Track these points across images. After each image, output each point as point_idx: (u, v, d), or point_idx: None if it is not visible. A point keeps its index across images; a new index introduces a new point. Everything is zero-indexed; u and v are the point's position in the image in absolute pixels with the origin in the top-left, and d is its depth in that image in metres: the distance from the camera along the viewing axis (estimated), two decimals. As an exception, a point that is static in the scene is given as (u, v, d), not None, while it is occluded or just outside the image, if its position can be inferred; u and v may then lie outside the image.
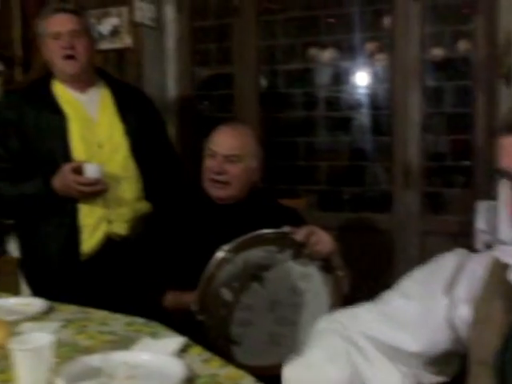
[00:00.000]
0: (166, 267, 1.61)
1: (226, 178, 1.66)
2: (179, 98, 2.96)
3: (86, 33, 1.87)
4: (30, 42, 2.92)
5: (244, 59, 2.81)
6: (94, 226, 1.82)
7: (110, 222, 1.84)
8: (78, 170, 1.73)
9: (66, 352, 1.04)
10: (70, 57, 1.81)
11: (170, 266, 1.61)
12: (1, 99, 2.26)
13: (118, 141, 1.88)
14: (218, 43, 2.94)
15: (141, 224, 1.88)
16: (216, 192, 1.68)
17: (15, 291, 2.12)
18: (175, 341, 1.09)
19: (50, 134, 1.81)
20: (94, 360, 0.98)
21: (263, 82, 2.87)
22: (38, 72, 2.73)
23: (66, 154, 1.80)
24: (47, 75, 1.93)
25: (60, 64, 1.83)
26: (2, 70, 2.92)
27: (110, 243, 1.84)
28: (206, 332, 1.41)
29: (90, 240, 1.82)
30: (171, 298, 1.57)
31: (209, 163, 1.70)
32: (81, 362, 0.97)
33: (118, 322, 1.29)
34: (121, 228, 1.85)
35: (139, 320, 1.30)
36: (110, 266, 1.81)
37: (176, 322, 1.38)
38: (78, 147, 1.82)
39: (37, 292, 1.79)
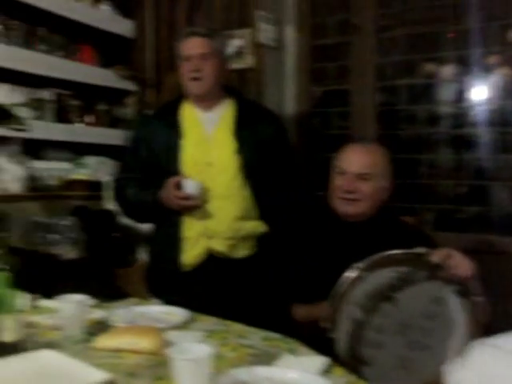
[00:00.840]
0: (293, 283, 1.65)
1: (357, 196, 1.67)
2: (297, 115, 3.01)
3: (215, 55, 1.96)
4: (161, 65, 3.14)
5: (362, 76, 2.81)
6: (195, 239, 1.91)
7: (209, 237, 1.91)
8: (180, 185, 1.85)
9: (214, 363, 1.10)
10: (196, 78, 1.94)
11: (297, 282, 1.65)
12: (136, 118, 2.46)
13: (226, 160, 1.94)
14: (336, 61, 2.96)
15: (255, 243, 1.96)
16: (345, 208, 1.69)
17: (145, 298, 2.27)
18: (318, 360, 1.10)
19: (167, 150, 1.95)
20: (241, 374, 1.02)
21: (381, 99, 2.85)
22: (167, 93, 2.93)
23: (176, 170, 1.92)
24: (180, 96, 2.07)
25: (187, 85, 1.97)
26: (135, 91, 3.16)
27: (211, 259, 1.92)
28: (337, 350, 1.42)
29: (190, 252, 1.92)
30: (302, 311, 1.60)
31: (339, 181, 1.71)
32: (230, 376, 1.01)
33: (256, 335, 1.33)
34: (220, 245, 1.92)
35: (275, 335, 1.33)
36: (211, 280, 1.91)
37: (303, 336, 1.40)
38: (187, 164, 1.92)
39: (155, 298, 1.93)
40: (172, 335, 1.26)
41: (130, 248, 2.67)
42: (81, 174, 2.87)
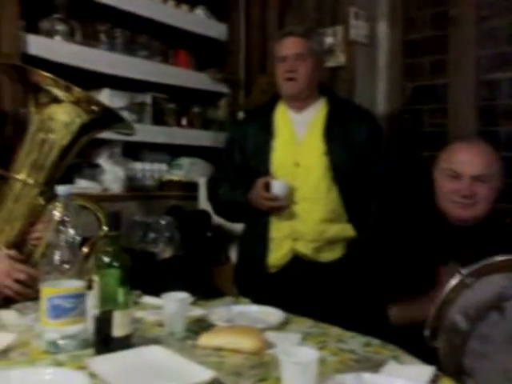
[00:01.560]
0: (397, 285, 1.60)
1: (474, 200, 1.59)
2: (389, 112, 2.93)
3: (311, 55, 1.95)
4: (252, 66, 3.18)
5: (461, 70, 2.67)
6: (281, 240, 1.92)
7: (294, 239, 1.91)
8: (268, 186, 1.86)
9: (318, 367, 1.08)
10: (291, 79, 1.93)
11: (402, 285, 1.60)
12: (231, 120, 2.50)
13: (314, 161, 1.92)
14: (431, 55, 2.84)
15: (343, 247, 1.92)
16: (460, 212, 1.61)
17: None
18: (426, 369, 1.06)
19: (257, 151, 1.97)
20: (349, 379, 1.00)
21: (480, 94, 2.69)
22: (258, 95, 2.96)
23: (266, 171, 1.93)
24: (275, 97, 2.07)
25: (282, 85, 1.97)
26: (227, 93, 3.23)
27: (296, 261, 1.91)
28: (438, 359, 1.36)
29: (276, 253, 1.92)
30: (398, 311, 1.56)
31: (453, 185, 1.62)
32: (336, 381, 0.99)
33: (355, 340, 1.30)
34: (305, 247, 1.90)
35: (376, 341, 1.29)
36: (295, 282, 1.90)
37: (400, 342, 1.35)
38: (277, 165, 1.93)
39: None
40: (270, 336, 1.27)
41: (223, 247, 2.73)
42: (175, 175, 2.97)
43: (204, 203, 2.84)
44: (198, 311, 1.48)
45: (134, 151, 2.86)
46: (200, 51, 3.18)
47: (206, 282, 2.18)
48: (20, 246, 1.67)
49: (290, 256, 1.91)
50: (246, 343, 1.16)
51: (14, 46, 2.18)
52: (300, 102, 1.98)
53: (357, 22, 2.78)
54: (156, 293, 1.51)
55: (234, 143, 2.06)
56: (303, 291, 1.88)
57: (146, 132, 2.76)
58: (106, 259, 1.13)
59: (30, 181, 1.67)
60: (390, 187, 2.05)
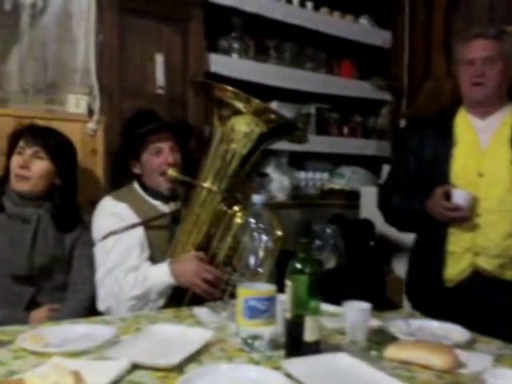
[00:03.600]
0: None
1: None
2: None
3: (502, 58, 1.82)
4: (416, 73, 3.10)
5: None
6: (460, 254, 1.81)
7: (475, 254, 1.79)
8: (448, 195, 1.76)
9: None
10: (477, 83, 1.84)
11: None
12: (406, 127, 2.42)
13: (500, 171, 1.79)
14: None
15: None
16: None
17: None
18: None
19: (436, 159, 1.89)
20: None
21: None
22: (423, 101, 2.87)
23: (444, 179, 1.84)
24: (457, 102, 1.99)
25: (466, 90, 1.87)
26: (390, 101, 3.19)
27: (477, 276, 1.79)
28: None
29: (453, 267, 1.82)
30: None
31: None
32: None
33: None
34: (488, 263, 1.78)
35: None
36: (476, 300, 1.78)
37: None
38: (457, 174, 1.83)
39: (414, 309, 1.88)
40: (459, 354, 1.22)
41: (386, 257, 2.69)
42: (337, 184, 3.00)
43: (366, 212, 2.83)
44: (374, 322, 1.47)
45: (298, 161, 2.94)
46: (363, 60, 3.18)
47: (378, 293, 2.16)
48: (205, 248, 1.81)
49: (470, 271, 1.82)
50: (438, 360, 1.13)
51: (199, 64, 2.39)
52: (485, 107, 1.88)
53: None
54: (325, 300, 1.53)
55: (409, 151, 2.00)
56: (486, 309, 1.78)
57: (310, 142, 2.82)
58: (298, 265, 1.19)
59: (214, 188, 1.81)
60: None
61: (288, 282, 1.19)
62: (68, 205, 1.89)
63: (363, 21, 3.10)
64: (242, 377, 1.02)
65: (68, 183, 1.91)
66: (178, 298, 1.76)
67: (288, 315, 1.19)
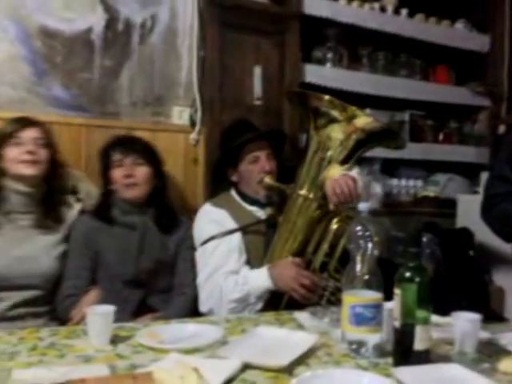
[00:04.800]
0: None
1: None
2: None
3: None
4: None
5: None
6: None
7: None
8: None
9: None
10: None
11: None
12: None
13: None
14: None
15: None
16: None
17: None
18: None
19: None
20: None
21: None
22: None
23: None
24: None
25: None
26: (488, 106, 3.07)
27: None
28: None
29: None
30: None
31: None
32: None
33: None
34: None
35: None
36: None
37: None
38: None
39: None
40: None
41: (487, 268, 2.58)
42: (431, 191, 2.93)
43: (463, 221, 2.74)
44: (483, 334, 1.43)
45: (391, 168, 2.91)
46: (459, 65, 3.09)
47: (483, 304, 2.08)
48: (301, 254, 1.84)
49: None
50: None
51: (295, 75, 2.44)
52: None
53: None
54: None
55: None
56: None
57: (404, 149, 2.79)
58: (408, 274, 1.19)
59: (311, 196, 1.84)
60: None
61: (397, 291, 1.19)
62: (167, 207, 2.00)
63: (459, 25, 3.01)
64: (354, 383, 1.04)
65: (164, 184, 2.01)
66: (275, 302, 1.80)
67: (397, 324, 1.19)
